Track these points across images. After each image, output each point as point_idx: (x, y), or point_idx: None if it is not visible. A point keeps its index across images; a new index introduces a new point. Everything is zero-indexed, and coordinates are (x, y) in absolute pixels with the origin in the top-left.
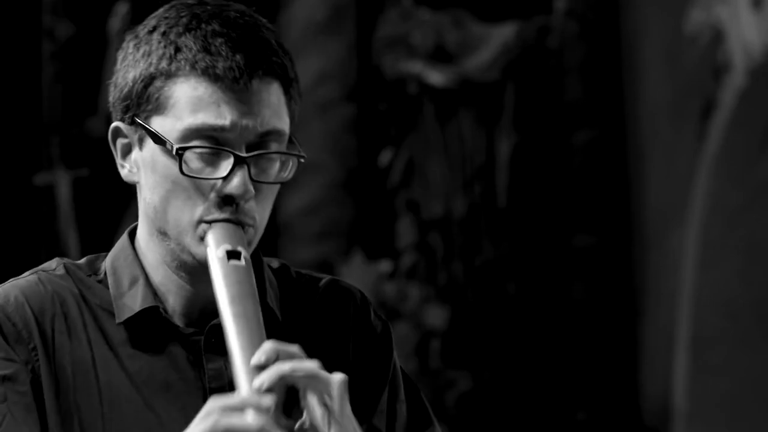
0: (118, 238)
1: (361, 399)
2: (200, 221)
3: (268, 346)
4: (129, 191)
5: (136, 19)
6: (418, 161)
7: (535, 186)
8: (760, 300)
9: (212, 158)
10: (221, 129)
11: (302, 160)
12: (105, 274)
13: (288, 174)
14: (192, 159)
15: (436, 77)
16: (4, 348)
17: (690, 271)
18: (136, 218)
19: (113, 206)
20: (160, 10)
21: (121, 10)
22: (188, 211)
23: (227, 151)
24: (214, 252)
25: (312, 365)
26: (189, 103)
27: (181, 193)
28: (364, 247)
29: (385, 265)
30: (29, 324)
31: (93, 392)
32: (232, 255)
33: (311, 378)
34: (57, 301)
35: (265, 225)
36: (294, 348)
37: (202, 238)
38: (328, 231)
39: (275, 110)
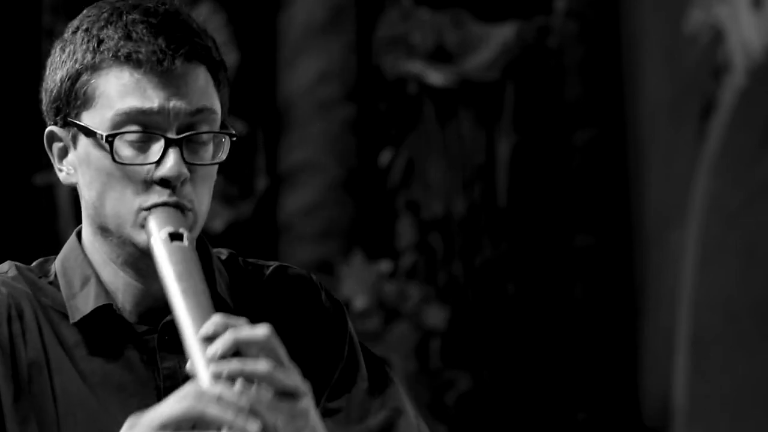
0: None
1: (315, 380)
2: (139, 210)
3: (217, 318)
4: None
5: None
6: (418, 161)
7: (535, 186)
8: (760, 300)
9: (143, 144)
10: (149, 112)
11: (234, 139)
12: (55, 275)
13: (222, 154)
14: (123, 147)
15: (436, 77)
16: None
17: (690, 271)
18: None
19: None
20: (84, 10)
21: None
22: (126, 201)
23: (157, 134)
24: (157, 235)
25: (265, 330)
26: (115, 92)
27: (116, 184)
28: (364, 247)
29: (385, 265)
30: None
31: (48, 396)
32: (174, 237)
33: (266, 345)
34: (12, 304)
35: (206, 210)
36: (242, 321)
37: (142, 226)
38: (328, 231)
39: (203, 91)
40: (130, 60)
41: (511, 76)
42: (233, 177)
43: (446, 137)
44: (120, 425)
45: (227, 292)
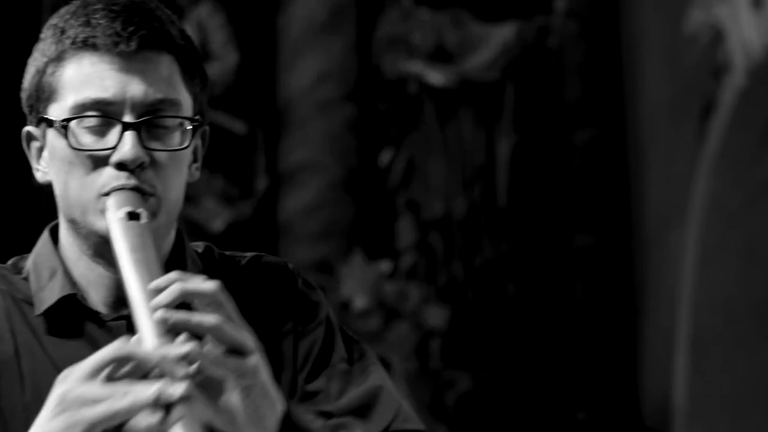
0: None
1: (290, 364)
2: (99, 195)
3: (172, 275)
4: None
5: None
6: (418, 161)
7: (535, 186)
8: (760, 300)
9: (101, 129)
10: (105, 102)
11: (197, 125)
12: (28, 273)
13: (188, 143)
14: (82, 134)
15: (436, 77)
16: None
17: (689, 271)
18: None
19: None
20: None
21: None
22: (87, 188)
23: (112, 118)
24: (113, 215)
25: (214, 284)
26: (74, 81)
27: (76, 172)
28: (364, 247)
29: (385, 265)
30: None
31: (15, 382)
32: (132, 216)
33: (215, 298)
34: None
35: (176, 197)
36: (196, 277)
37: (103, 212)
38: (328, 231)
39: (166, 81)
40: (87, 45)
41: (511, 76)
42: (233, 177)
43: (446, 137)
44: None
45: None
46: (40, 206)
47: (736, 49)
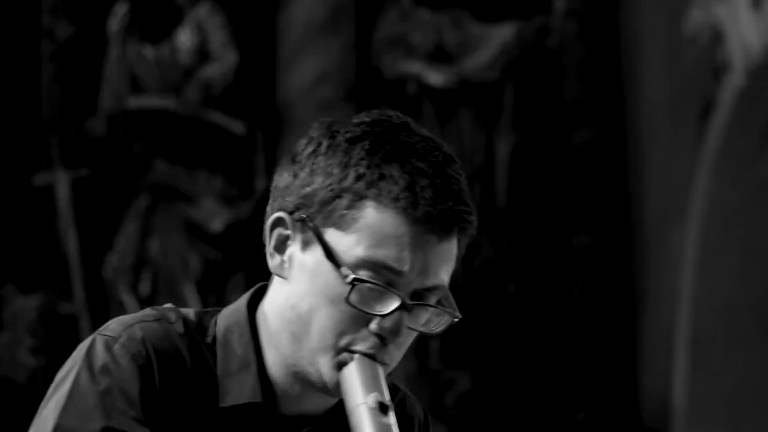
0: (118, 240)
1: None
2: (344, 348)
3: None
4: (128, 191)
5: (135, 19)
6: None
7: (535, 186)
8: (759, 300)
9: (378, 294)
10: (395, 272)
11: (455, 320)
12: (214, 339)
13: (437, 328)
14: (359, 288)
15: (435, 77)
16: (137, 406)
17: (689, 272)
18: (140, 220)
19: (113, 206)
20: (364, 118)
21: (121, 10)
22: (335, 335)
23: (396, 294)
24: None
25: None
26: (375, 234)
27: (334, 315)
28: None
29: None
30: (155, 382)
31: None
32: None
33: None
34: (179, 361)
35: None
36: None
37: (339, 365)
38: None
39: (449, 266)
40: (405, 213)
41: (510, 76)
42: (233, 177)
43: (446, 137)
44: None
45: None
46: (40, 206)
47: (736, 49)
